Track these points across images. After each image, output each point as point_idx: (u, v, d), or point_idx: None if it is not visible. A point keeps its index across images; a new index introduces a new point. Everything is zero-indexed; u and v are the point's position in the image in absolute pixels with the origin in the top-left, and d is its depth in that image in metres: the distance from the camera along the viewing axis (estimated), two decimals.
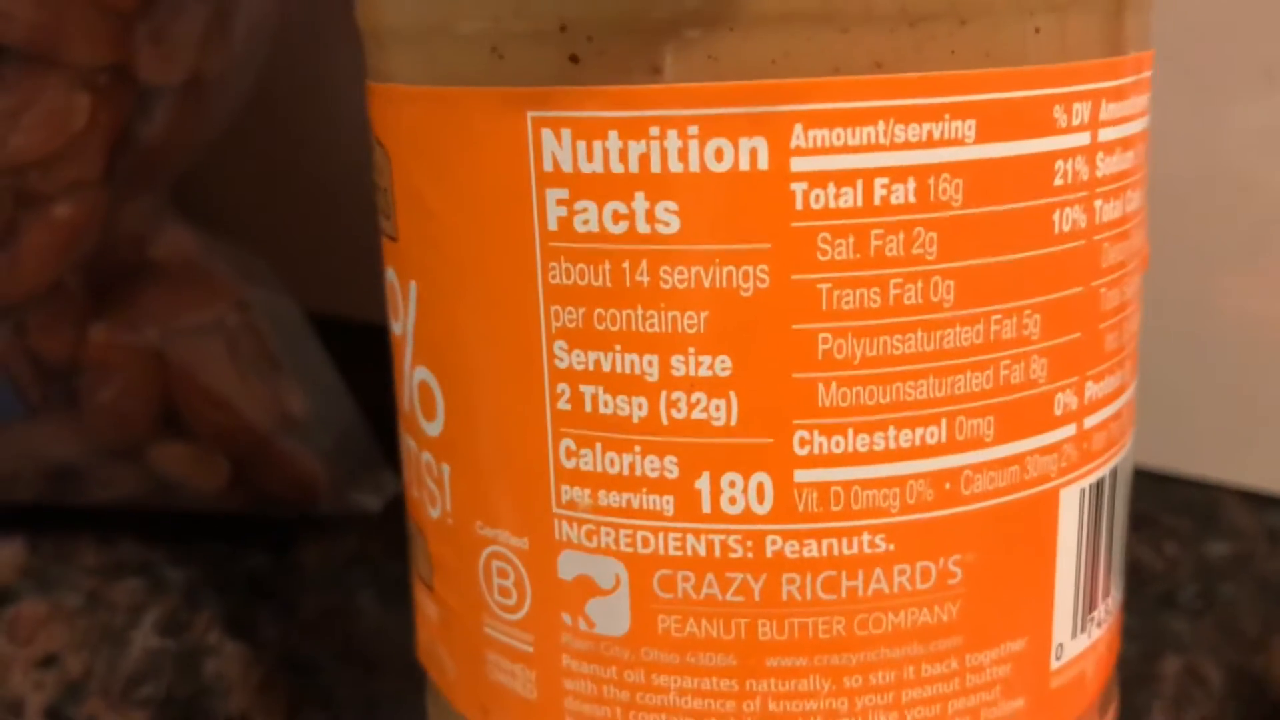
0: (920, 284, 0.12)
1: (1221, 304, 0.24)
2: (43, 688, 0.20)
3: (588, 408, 0.13)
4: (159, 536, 0.24)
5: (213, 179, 0.22)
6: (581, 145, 0.12)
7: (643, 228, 0.12)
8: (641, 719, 0.14)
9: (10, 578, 0.23)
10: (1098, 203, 0.13)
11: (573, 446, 0.13)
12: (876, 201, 0.12)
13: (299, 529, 0.25)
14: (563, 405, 0.13)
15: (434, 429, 0.15)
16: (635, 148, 0.12)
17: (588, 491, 0.13)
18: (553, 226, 0.13)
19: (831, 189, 0.12)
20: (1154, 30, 0.19)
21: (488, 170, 0.13)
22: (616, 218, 0.12)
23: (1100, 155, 0.13)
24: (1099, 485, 0.14)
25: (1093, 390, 0.14)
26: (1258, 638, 0.22)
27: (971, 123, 0.12)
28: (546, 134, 0.12)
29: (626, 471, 0.13)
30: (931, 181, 0.12)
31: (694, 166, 0.12)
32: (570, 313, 0.13)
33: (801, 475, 0.13)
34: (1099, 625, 0.15)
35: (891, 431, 0.13)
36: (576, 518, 0.13)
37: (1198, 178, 0.24)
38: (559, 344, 0.13)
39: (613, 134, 0.12)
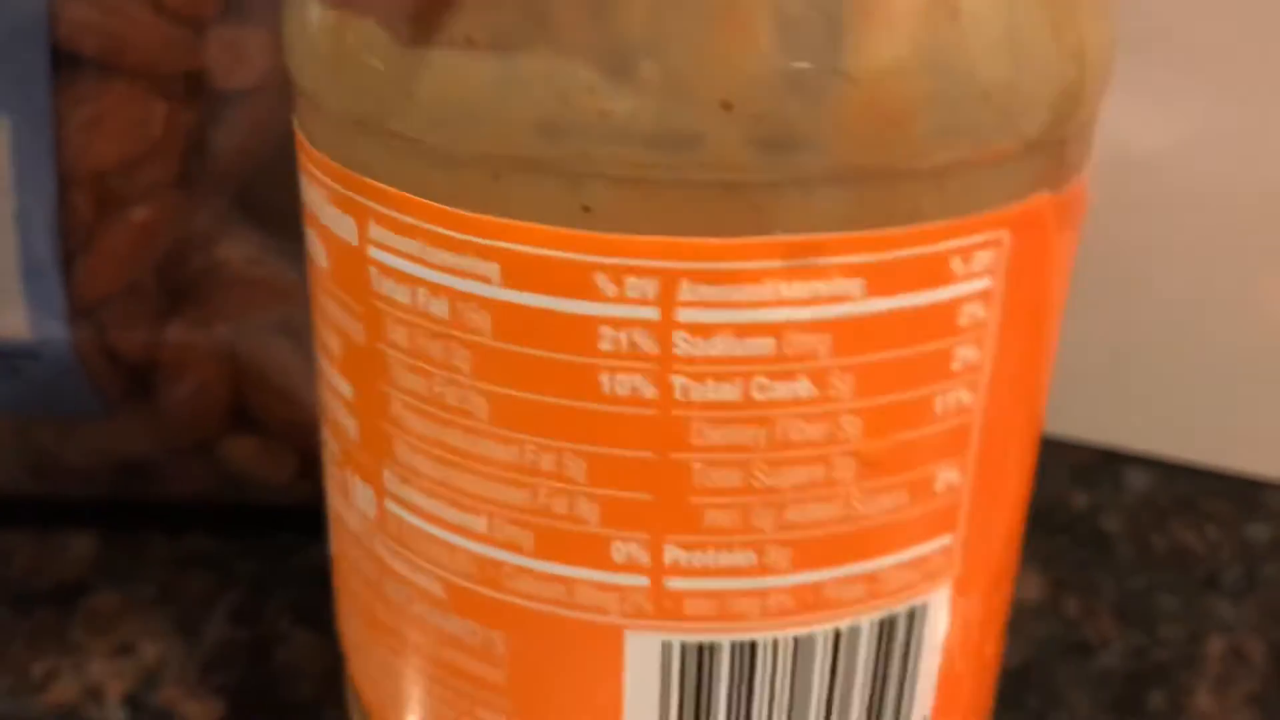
0: (458, 391, 0.13)
1: (1262, 306, 0.25)
2: (121, 676, 0.21)
3: (323, 375, 0.16)
4: (229, 529, 0.25)
5: (278, 182, 0.22)
6: (307, 180, 0.15)
7: (315, 257, 0.15)
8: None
9: (85, 571, 0.24)
10: (679, 380, 0.13)
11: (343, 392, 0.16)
12: (420, 305, 0.13)
13: None
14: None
15: None
16: (308, 190, 0.14)
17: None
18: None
19: (391, 282, 0.13)
20: (1192, 38, 0.22)
21: None
22: (310, 240, 0.15)
23: (682, 335, 0.12)
24: (710, 649, 0.14)
25: (680, 556, 0.13)
26: None
27: (495, 266, 0.12)
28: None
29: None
30: (462, 305, 0.13)
31: (323, 219, 0.14)
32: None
33: (389, 505, 0.15)
34: None
35: (442, 504, 0.14)
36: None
37: (1240, 181, 0.24)
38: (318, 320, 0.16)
39: (310, 173, 0.14)
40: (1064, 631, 0.22)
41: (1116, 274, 0.26)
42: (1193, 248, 0.25)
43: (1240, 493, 0.26)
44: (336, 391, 0.15)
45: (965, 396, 0.14)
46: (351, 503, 0.15)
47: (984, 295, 0.13)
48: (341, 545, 0.16)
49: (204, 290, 0.22)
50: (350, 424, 0.15)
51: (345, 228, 0.14)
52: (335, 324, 0.15)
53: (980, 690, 0.16)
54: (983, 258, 0.13)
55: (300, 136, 0.14)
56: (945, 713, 0.16)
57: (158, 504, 0.25)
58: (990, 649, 0.16)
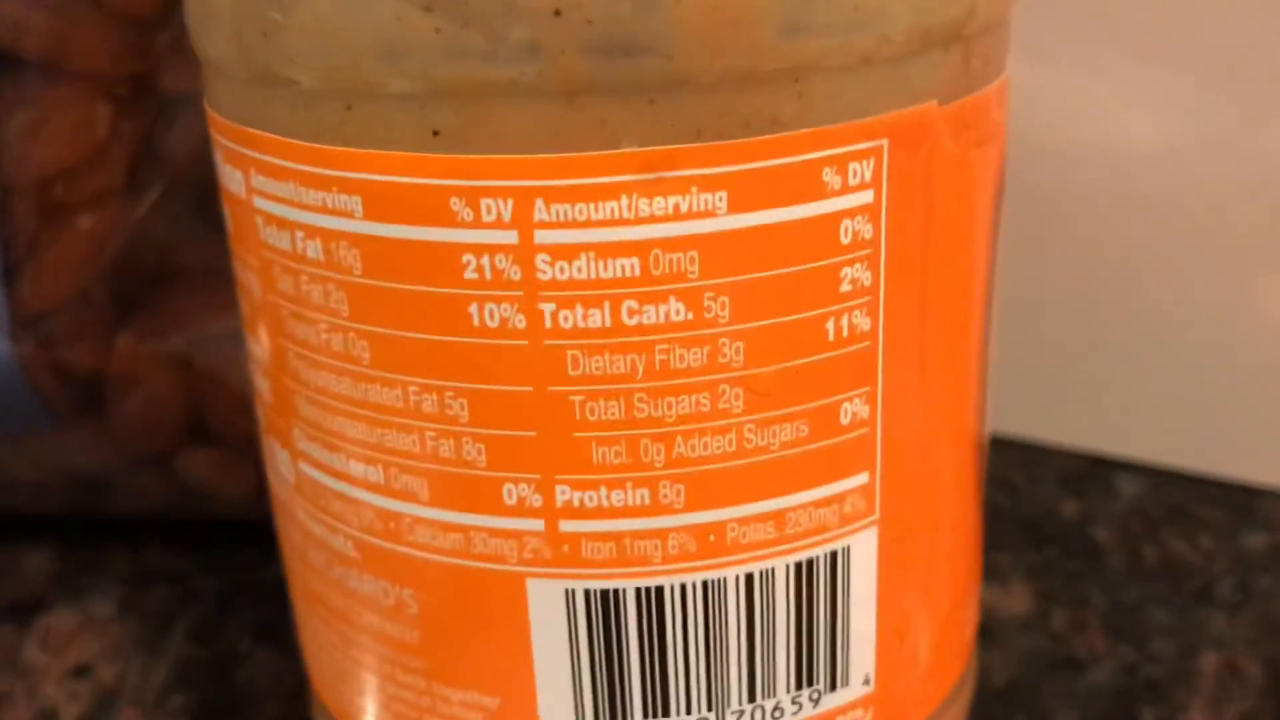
0: (341, 335, 0.13)
1: (1257, 309, 0.24)
2: (77, 698, 0.20)
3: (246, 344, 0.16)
4: (189, 545, 0.24)
5: None
6: (214, 149, 0.15)
7: (226, 224, 0.15)
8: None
9: (42, 588, 0.23)
10: (547, 306, 0.12)
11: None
12: (298, 249, 0.13)
13: None
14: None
15: None
16: (215, 159, 0.15)
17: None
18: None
19: (273, 229, 0.13)
20: (1196, 37, 0.20)
21: None
22: (223, 210, 0.15)
23: (544, 257, 0.12)
24: (614, 595, 0.13)
25: (572, 496, 0.13)
26: None
27: (357, 199, 0.12)
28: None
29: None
30: (333, 244, 0.13)
31: (223, 180, 0.14)
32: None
33: (302, 466, 0.15)
34: None
35: (341, 457, 0.14)
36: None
37: (1233, 184, 0.24)
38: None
39: (214, 140, 0.15)
40: (1052, 646, 0.21)
41: (1107, 276, 0.25)
42: (1186, 251, 0.24)
43: (1235, 501, 0.25)
44: (252, 355, 0.15)
45: (862, 321, 0.13)
46: (276, 470, 0.15)
47: (868, 210, 0.13)
48: (279, 521, 0.16)
49: (158, 298, 0.21)
50: (264, 386, 0.15)
51: (236, 182, 0.14)
52: (243, 284, 0.15)
53: (939, 656, 0.16)
54: (859, 169, 0.12)
55: (208, 110, 0.15)
56: (892, 675, 0.15)
57: (116, 519, 0.24)
58: (945, 609, 0.15)
